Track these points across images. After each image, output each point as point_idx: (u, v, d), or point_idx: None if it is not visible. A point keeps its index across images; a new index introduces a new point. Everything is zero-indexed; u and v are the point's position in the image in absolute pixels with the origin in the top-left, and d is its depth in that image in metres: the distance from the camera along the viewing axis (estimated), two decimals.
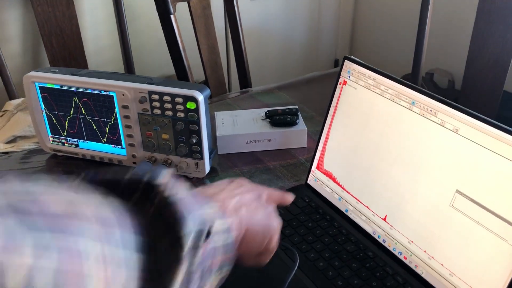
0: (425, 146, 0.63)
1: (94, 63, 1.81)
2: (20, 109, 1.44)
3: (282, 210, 0.76)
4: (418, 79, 1.64)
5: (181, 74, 1.45)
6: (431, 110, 0.63)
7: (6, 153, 1.35)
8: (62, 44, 1.62)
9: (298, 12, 2.37)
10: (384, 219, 0.69)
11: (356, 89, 0.74)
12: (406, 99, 0.66)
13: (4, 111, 1.44)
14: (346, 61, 0.76)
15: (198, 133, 0.83)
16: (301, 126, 0.96)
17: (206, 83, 1.62)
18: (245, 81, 1.66)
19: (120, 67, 1.89)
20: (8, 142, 1.39)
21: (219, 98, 1.20)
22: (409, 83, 0.66)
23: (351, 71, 0.75)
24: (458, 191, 0.60)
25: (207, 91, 0.83)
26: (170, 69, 1.51)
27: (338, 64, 2.63)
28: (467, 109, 0.59)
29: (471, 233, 0.58)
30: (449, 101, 0.61)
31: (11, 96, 1.53)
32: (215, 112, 1.02)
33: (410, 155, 0.65)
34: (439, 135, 0.62)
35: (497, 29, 1.37)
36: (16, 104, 1.46)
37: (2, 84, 1.52)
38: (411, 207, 0.65)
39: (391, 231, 0.68)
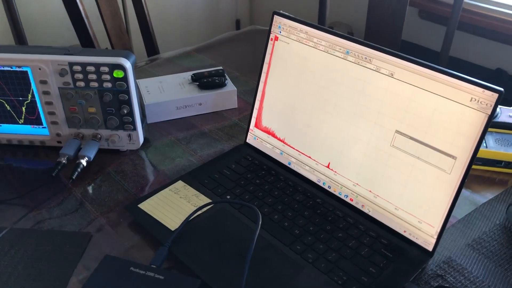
0: (362, 93, 0.67)
1: None
2: None
3: (228, 171, 0.76)
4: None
5: (87, 44, 1.35)
6: (365, 58, 0.66)
7: None
8: None
9: None
10: (328, 166, 0.73)
11: (288, 43, 0.75)
12: (340, 49, 0.68)
13: None
14: (275, 16, 0.76)
15: (129, 102, 0.79)
16: (231, 87, 0.95)
17: (111, 49, 1.53)
18: (151, 44, 1.59)
19: (10, 42, 1.71)
20: None
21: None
22: (342, 33, 0.68)
23: (282, 26, 0.75)
24: (397, 131, 0.64)
25: (133, 57, 0.79)
26: (70, 40, 1.40)
27: (240, 24, 2.63)
28: (401, 53, 0.62)
29: (412, 168, 0.63)
30: (383, 47, 0.64)
31: None
32: (138, 80, 0.97)
33: (348, 102, 0.68)
34: (376, 80, 0.65)
35: None
36: None
37: None
38: (353, 152, 0.69)
39: (335, 176, 0.72)
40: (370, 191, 0.68)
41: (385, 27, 1.58)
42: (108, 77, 0.76)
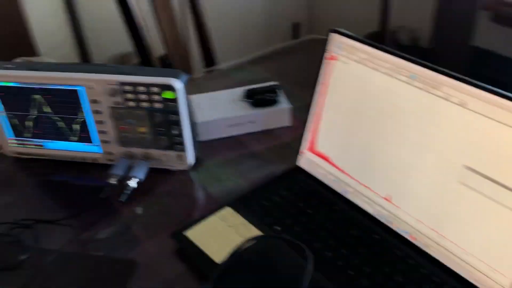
0: (429, 122, 0.60)
1: (45, 47, 1.68)
2: None
3: (278, 199, 0.72)
4: (386, 37, 1.61)
5: (142, 53, 1.36)
6: (433, 84, 0.59)
7: None
8: (8, 31, 1.47)
9: None
10: (387, 199, 0.67)
11: (348, 64, 0.69)
12: (405, 73, 0.62)
13: None
14: (333, 34, 0.71)
15: (179, 123, 0.76)
16: (284, 104, 0.91)
17: (167, 57, 1.53)
18: (208, 55, 1.58)
19: (73, 49, 1.76)
20: None
21: (188, 78, 1.12)
22: (407, 55, 0.62)
23: (340, 45, 0.70)
24: (467, 167, 0.57)
25: (185, 78, 0.76)
26: (127, 46, 1.41)
27: (299, 28, 2.58)
28: (474, 81, 0.56)
29: (484, 209, 0.56)
30: (454, 73, 0.57)
31: None
32: (191, 96, 0.95)
33: (412, 131, 0.62)
34: (444, 110, 0.58)
35: None
36: None
37: None
38: (416, 186, 0.63)
39: (395, 211, 0.66)
40: (435, 230, 0.61)
41: (453, 32, 1.47)
42: (158, 97, 0.74)
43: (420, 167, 0.62)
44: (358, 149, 0.69)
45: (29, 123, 0.82)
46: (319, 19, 2.56)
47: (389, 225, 0.67)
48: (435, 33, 1.49)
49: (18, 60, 1.49)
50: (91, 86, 0.75)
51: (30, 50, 1.54)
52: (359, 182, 0.70)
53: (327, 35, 0.71)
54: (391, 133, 0.65)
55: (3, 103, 0.80)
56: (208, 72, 1.15)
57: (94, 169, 0.84)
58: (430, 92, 0.60)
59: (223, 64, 1.21)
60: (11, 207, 0.77)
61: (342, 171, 0.72)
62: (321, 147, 0.75)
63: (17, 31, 1.50)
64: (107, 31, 1.85)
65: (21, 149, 0.85)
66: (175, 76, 0.74)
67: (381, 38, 1.65)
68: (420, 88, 0.61)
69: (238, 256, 0.63)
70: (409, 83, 0.62)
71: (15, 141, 0.85)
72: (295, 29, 2.59)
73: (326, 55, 0.72)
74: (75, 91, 0.76)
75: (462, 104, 0.57)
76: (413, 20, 2.10)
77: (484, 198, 0.56)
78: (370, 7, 2.22)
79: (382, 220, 0.67)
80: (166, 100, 0.74)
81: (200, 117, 0.88)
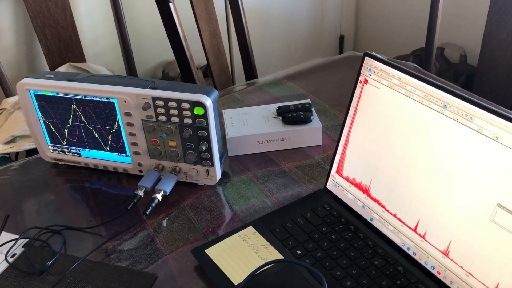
0: (460, 154, 0.58)
1: (92, 53, 1.74)
2: (17, 107, 1.38)
3: (302, 221, 0.71)
4: (432, 55, 1.57)
5: (183, 63, 1.38)
6: (466, 115, 0.57)
7: (7, 154, 1.30)
8: (56, 36, 1.54)
9: None
10: (414, 230, 0.64)
11: (379, 88, 0.67)
12: (437, 101, 0.60)
13: (1, 109, 1.39)
14: (366, 57, 0.69)
15: (208, 139, 0.77)
16: (316, 123, 0.90)
17: (208, 69, 1.55)
18: (249, 66, 1.59)
19: (118, 56, 1.81)
20: (7, 143, 1.34)
21: (225, 91, 1.13)
22: (440, 84, 0.60)
23: (373, 69, 0.68)
24: (499, 205, 0.54)
25: (215, 94, 0.77)
26: (171, 55, 1.44)
27: (343, 40, 2.55)
28: (509, 114, 0.53)
29: None
30: (488, 105, 0.54)
31: (7, 93, 1.47)
32: (223, 110, 0.96)
33: (442, 162, 0.60)
34: (477, 143, 0.56)
35: None
36: (13, 102, 1.40)
37: None
38: (444, 219, 0.60)
39: (422, 243, 0.63)
40: (461, 267, 0.59)
41: (502, 54, 1.41)
42: (188, 113, 0.75)
43: (450, 200, 0.59)
44: (387, 177, 0.67)
45: (66, 132, 0.85)
46: (365, 33, 2.52)
47: (414, 256, 0.64)
48: (483, 52, 1.43)
49: (66, 65, 1.55)
50: (125, 99, 0.77)
51: (78, 56, 1.61)
52: (386, 209, 0.68)
53: (360, 65, 0.70)
54: (420, 161, 0.62)
55: (42, 111, 0.83)
56: (247, 85, 1.15)
57: (126, 178, 0.86)
58: (462, 123, 0.57)
59: (263, 77, 1.20)
60: (45, 211, 0.80)
61: (369, 196, 0.70)
62: (348, 171, 0.73)
63: (68, 37, 1.56)
64: (152, 40, 1.89)
65: (60, 156, 0.89)
66: (206, 93, 0.75)
67: (427, 55, 1.60)
68: (452, 118, 0.58)
69: (255, 278, 0.62)
70: (441, 113, 0.59)
71: (54, 148, 0.88)
72: (341, 41, 2.57)
73: (360, 78, 0.71)
74: (110, 103, 0.78)
75: (495, 138, 0.54)
76: (463, 37, 2.03)
77: None
78: (418, 23, 2.16)
79: (408, 251, 0.65)
80: (196, 116, 0.75)
81: (230, 133, 0.89)
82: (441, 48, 2.06)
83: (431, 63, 1.64)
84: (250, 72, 1.58)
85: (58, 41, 1.55)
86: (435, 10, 1.52)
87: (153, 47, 1.92)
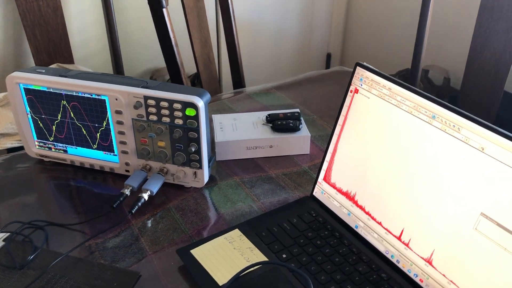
0: (446, 164, 0.59)
1: (80, 55, 1.73)
2: (1, 104, 1.36)
3: (289, 226, 0.72)
4: (417, 76, 1.60)
5: (173, 69, 1.38)
6: (454, 126, 0.58)
7: None
8: (46, 36, 1.53)
9: (290, 4, 2.30)
10: (399, 238, 0.65)
11: (369, 98, 0.69)
12: (426, 112, 0.62)
13: None
14: (358, 67, 0.71)
15: (198, 141, 0.77)
16: (304, 132, 0.91)
17: (197, 77, 1.56)
18: (238, 76, 1.60)
19: (107, 59, 1.81)
20: None
21: (214, 98, 1.14)
22: (428, 94, 0.62)
23: (364, 79, 0.70)
24: (482, 214, 0.56)
25: (207, 96, 0.77)
26: (160, 62, 1.44)
27: (330, 58, 2.59)
28: (494, 126, 0.55)
29: (497, 259, 0.54)
30: (474, 117, 0.56)
31: None
32: (213, 115, 0.96)
33: (429, 172, 0.61)
34: (463, 153, 0.57)
35: (500, 27, 1.33)
36: None
37: None
38: (428, 227, 0.61)
39: (405, 251, 0.64)
40: (444, 275, 0.60)
41: (485, 76, 1.45)
42: (180, 114, 0.75)
43: (435, 209, 0.61)
44: (374, 184, 0.68)
45: (54, 127, 0.84)
46: (352, 52, 2.57)
47: (397, 264, 0.65)
48: (467, 74, 1.47)
49: (54, 65, 1.54)
50: (116, 97, 0.77)
51: (66, 57, 1.60)
52: (371, 217, 0.69)
53: (351, 75, 0.71)
54: (406, 170, 0.64)
55: (31, 106, 0.83)
56: (235, 94, 1.16)
57: (111, 178, 0.86)
58: (449, 134, 0.59)
59: (251, 87, 1.21)
60: (28, 207, 0.79)
61: (355, 204, 0.71)
62: (335, 178, 0.74)
63: (57, 38, 1.55)
64: (141, 46, 1.89)
65: (45, 152, 0.88)
66: (198, 95, 0.75)
67: (412, 76, 1.64)
68: (440, 129, 0.60)
69: (240, 280, 0.62)
70: (429, 123, 0.61)
71: (40, 144, 0.87)
72: (328, 60, 2.61)
73: (351, 87, 0.72)
74: (101, 100, 0.78)
75: (481, 149, 0.56)
76: (447, 60, 2.08)
77: (497, 248, 0.54)
78: (404, 44, 2.21)
79: (391, 259, 0.66)
80: (187, 117, 0.75)
81: (219, 137, 0.89)
82: (425, 70, 2.10)
83: (416, 84, 1.67)
84: (239, 82, 1.60)
85: (47, 41, 1.54)
86: (421, 32, 1.56)
87: (143, 54, 1.92)
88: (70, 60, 1.61)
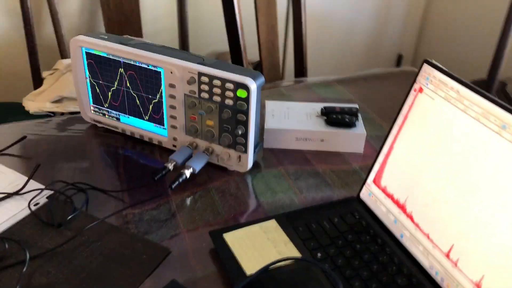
0: (511, 180, 0.53)
1: (149, 31, 1.76)
2: (70, 69, 1.41)
3: (328, 225, 0.68)
4: (493, 88, 1.49)
5: (235, 53, 1.37)
6: None
7: (52, 113, 1.33)
8: (119, 8, 1.57)
9: (365, 1, 2.22)
10: (447, 255, 0.60)
11: (433, 99, 0.63)
12: (495, 120, 0.55)
13: (54, 69, 1.42)
14: (425, 64, 0.65)
15: (245, 124, 0.75)
16: (360, 129, 0.86)
17: (260, 64, 1.54)
18: (301, 66, 1.56)
19: (174, 38, 1.83)
20: (54, 102, 1.37)
21: (272, 84, 1.11)
22: (501, 102, 0.56)
23: (430, 78, 0.64)
24: None
25: (261, 79, 0.75)
26: (225, 46, 1.44)
27: (401, 60, 2.48)
28: None
29: None
30: None
31: (63, 55, 1.51)
32: (266, 101, 0.94)
33: (492, 188, 0.55)
34: None
35: None
36: (66, 64, 1.43)
37: (56, 42, 1.50)
38: (482, 246, 0.55)
39: (452, 269, 0.59)
40: None
41: None
42: (231, 94, 0.73)
43: (492, 231, 0.55)
44: (426, 193, 0.63)
45: (110, 94, 0.85)
46: (425, 56, 2.44)
47: (441, 283, 0.60)
48: None
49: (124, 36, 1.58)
50: (171, 70, 0.76)
51: (136, 31, 1.63)
52: (419, 228, 0.63)
53: (417, 72, 0.66)
54: (467, 184, 0.58)
55: (90, 71, 0.84)
56: (295, 83, 1.13)
57: (158, 151, 0.85)
58: None
59: (312, 77, 1.18)
60: (75, 169, 0.80)
61: (403, 211, 0.66)
62: (387, 182, 0.69)
63: (129, 11, 1.58)
64: (209, 28, 1.90)
65: (99, 118, 0.89)
66: (252, 77, 0.73)
67: (487, 87, 1.53)
68: (510, 141, 0.54)
69: (269, 272, 0.60)
70: (498, 133, 0.55)
71: (95, 109, 0.89)
72: (399, 61, 2.50)
73: (415, 86, 0.67)
74: (157, 72, 0.78)
75: None
76: None
77: None
78: (482, 53, 2.07)
79: (435, 276, 0.61)
80: (238, 98, 0.73)
81: (269, 124, 0.86)
82: (503, 83, 1.96)
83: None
84: (301, 73, 1.56)
85: (119, 14, 1.58)
86: (503, 41, 1.45)
87: (210, 35, 1.93)
88: (139, 34, 1.64)
